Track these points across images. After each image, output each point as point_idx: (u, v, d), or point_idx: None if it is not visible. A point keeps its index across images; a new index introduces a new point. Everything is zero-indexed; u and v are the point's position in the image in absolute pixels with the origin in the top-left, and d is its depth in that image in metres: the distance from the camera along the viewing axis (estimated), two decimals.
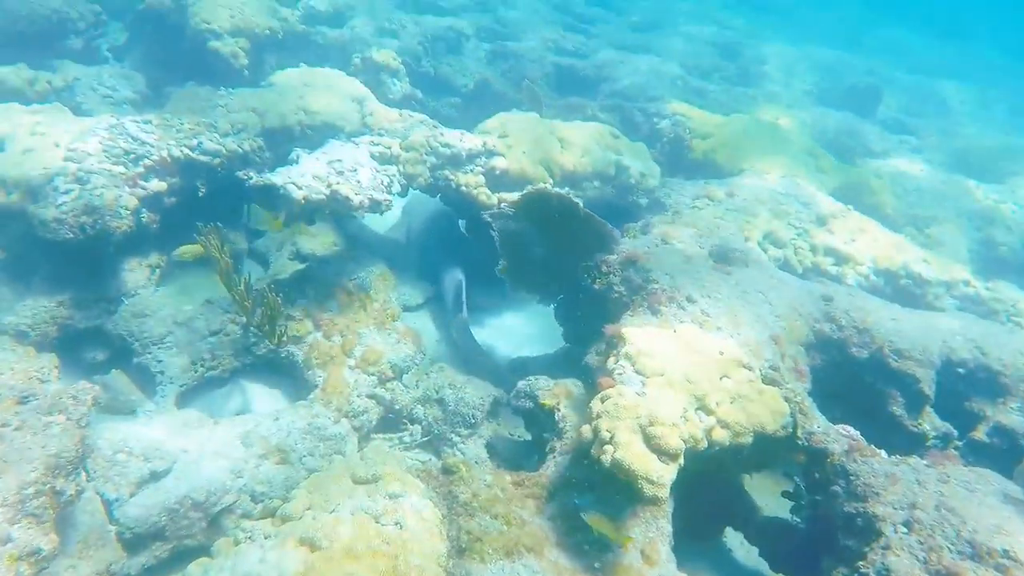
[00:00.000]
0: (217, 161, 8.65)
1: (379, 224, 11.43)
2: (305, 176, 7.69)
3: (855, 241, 9.91)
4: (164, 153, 8.30)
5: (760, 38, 19.35)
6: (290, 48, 12.94)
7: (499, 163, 9.44)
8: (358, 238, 9.88)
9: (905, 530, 5.79)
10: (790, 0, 29.13)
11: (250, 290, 7.49)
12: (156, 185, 8.21)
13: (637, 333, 6.83)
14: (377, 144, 8.71)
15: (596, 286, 8.14)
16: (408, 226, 11.01)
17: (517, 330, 10.06)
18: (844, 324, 8.02)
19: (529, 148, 9.70)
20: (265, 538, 5.31)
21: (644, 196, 10.31)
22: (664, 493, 5.45)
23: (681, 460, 5.75)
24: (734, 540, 7.82)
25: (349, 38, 13.58)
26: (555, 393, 7.31)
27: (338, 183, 7.66)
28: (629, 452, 5.57)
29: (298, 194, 7.51)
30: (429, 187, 9.29)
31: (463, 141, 9.31)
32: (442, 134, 9.26)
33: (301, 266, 8.48)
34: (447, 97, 13.40)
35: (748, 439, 6.40)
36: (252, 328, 7.65)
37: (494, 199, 9.40)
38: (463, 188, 9.28)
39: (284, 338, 7.50)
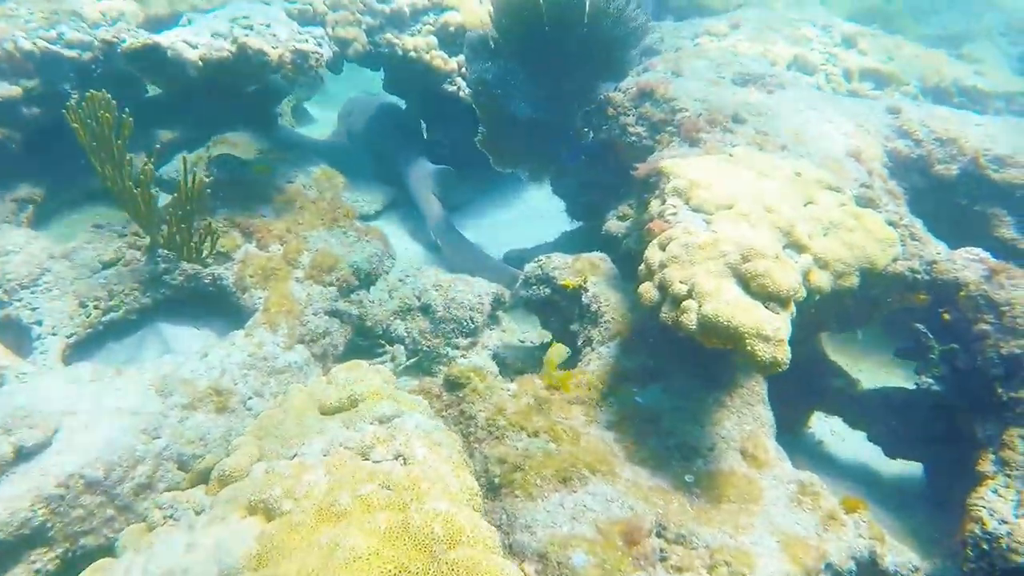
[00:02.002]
0: (88, 56, 6.52)
1: (314, 133, 9.41)
2: (201, 34, 5.65)
3: (893, 60, 8.13)
4: (9, 46, 6.17)
5: None
6: None
7: (453, 18, 7.47)
8: (288, 143, 7.87)
9: None
10: None
11: (155, 203, 5.48)
12: (4, 89, 6.11)
13: (681, 163, 4.98)
14: (294, 2, 6.64)
15: (603, 135, 6.26)
16: (349, 127, 8.99)
17: (506, 223, 8.17)
18: (922, 138, 6.26)
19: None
20: (196, 513, 3.41)
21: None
22: (785, 354, 3.65)
23: (794, 306, 3.96)
24: (823, 429, 6.11)
25: None
26: (577, 269, 5.47)
27: (247, 36, 5.62)
28: (723, 302, 3.75)
29: (192, 54, 5.47)
30: (368, 56, 7.26)
31: None
32: None
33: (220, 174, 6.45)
34: None
35: (854, 280, 4.67)
36: (161, 249, 5.65)
37: (452, 63, 7.43)
38: (412, 54, 7.30)
39: (207, 254, 5.52)
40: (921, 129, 6.25)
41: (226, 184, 6.22)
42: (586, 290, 5.33)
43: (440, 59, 7.32)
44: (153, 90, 7.65)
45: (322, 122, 10.19)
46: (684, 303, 3.91)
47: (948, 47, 9.44)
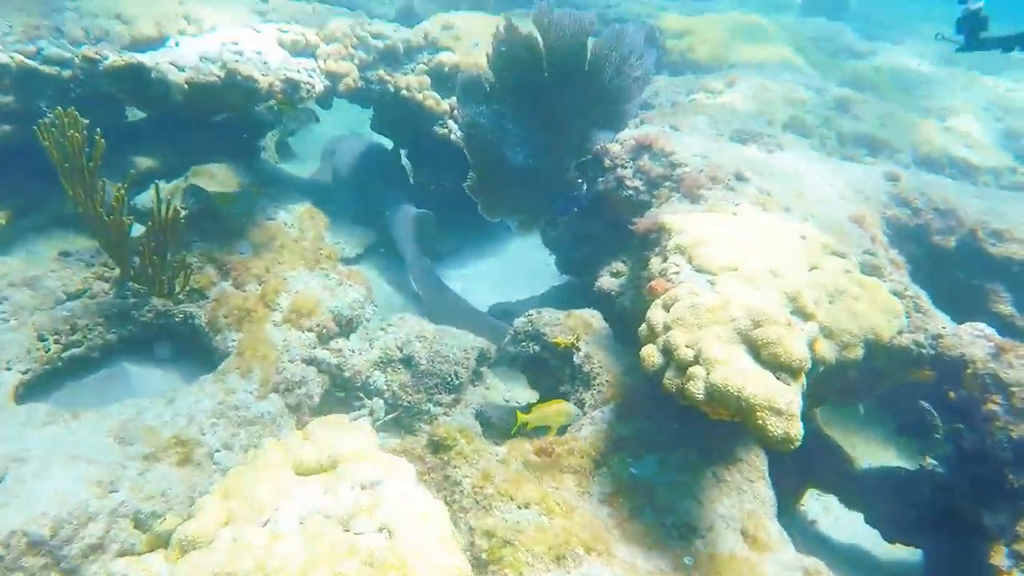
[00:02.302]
0: (68, 74, 6.24)
1: (297, 171, 9.15)
2: (189, 56, 5.40)
3: (886, 128, 8.10)
4: None
5: None
6: None
7: (447, 58, 7.31)
8: (271, 177, 7.61)
9: None
10: None
11: (127, 232, 5.17)
12: None
13: (685, 220, 4.80)
14: (286, 31, 6.43)
15: (599, 187, 6.08)
16: (333, 167, 8.74)
17: (492, 273, 7.92)
18: (921, 207, 6.17)
19: (482, 42, 7.57)
20: None
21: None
22: (799, 430, 3.43)
23: (805, 376, 3.75)
24: (816, 508, 5.88)
25: None
26: (569, 327, 5.24)
27: (236, 62, 5.39)
28: (733, 371, 3.53)
29: (179, 77, 5.22)
30: (359, 92, 7.06)
31: (398, 32, 7.13)
32: (370, 23, 7.06)
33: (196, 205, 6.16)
34: None
35: (859, 351, 4.50)
36: (131, 283, 5.33)
37: (444, 105, 7.25)
38: (404, 92, 7.11)
39: (180, 289, 5.22)
40: (920, 198, 6.16)
41: (203, 217, 5.93)
42: (578, 350, 5.09)
43: (433, 100, 7.14)
44: (133, 115, 7.38)
45: (304, 159, 9.95)
46: (690, 369, 3.68)
47: (935, 119, 9.48)
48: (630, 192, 5.82)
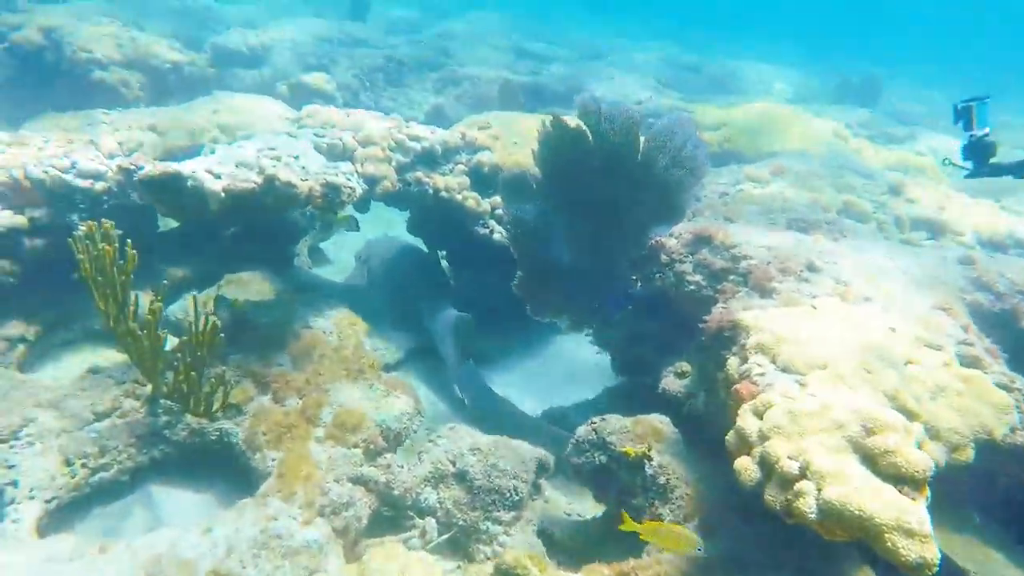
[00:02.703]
0: (101, 186, 6.11)
1: (331, 276, 8.92)
2: (226, 164, 5.22)
3: (944, 210, 7.77)
4: (18, 173, 5.77)
5: (713, 54, 17.85)
6: (200, 92, 10.61)
7: (486, 158, 7.15)
8: (306, 284, 7.36)
9: None
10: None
11: (160, 347, 4.88)
12: (7, 218, 5.66)
13: (762, 316, 4.42)
14: (322, 136, 6.28)
15: (656, 283, 5.74)
16: (368, 270, 8.50)
17: (538, 377, 7.51)
18: (1003, 291, 5.73)
19: (521, 140, 7.43)
20: None
21: None
22: (935, 553, 2.95)
23: (928, 488, 3.28)
24: None
25: (270, 76, 11.33)
26: (638, 435, 4.81)
27: (274, 168, 5.19)
28: (851, 487, 3.08)
29: (215, 185, 5.01)
30: (398, 194, 6.86)
31: (435, 133, 6.99)
32: (407, 125, 6.93)
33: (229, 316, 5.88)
34: None
35: (970, 452, 4.04)
36: (163, 400, 5.01)
37: (485, 205, 7.03)
38: (443, 194, 6.91)
39: (217, 406, 4.88)
40: (1000, 280, 5.75)
41: (238, 328, 5.64)
42: (651, 459, 4.64)
43: (473, 199, 6.93)
44: (164, 224, 7.24)
45: (339, 264, 9.74)
46: (797, 485, 3.24)
47: (991, 199, 9.15)
48: (691, 288, 5.47)
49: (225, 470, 5.07)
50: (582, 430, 4.99)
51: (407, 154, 6.82)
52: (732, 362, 4.34)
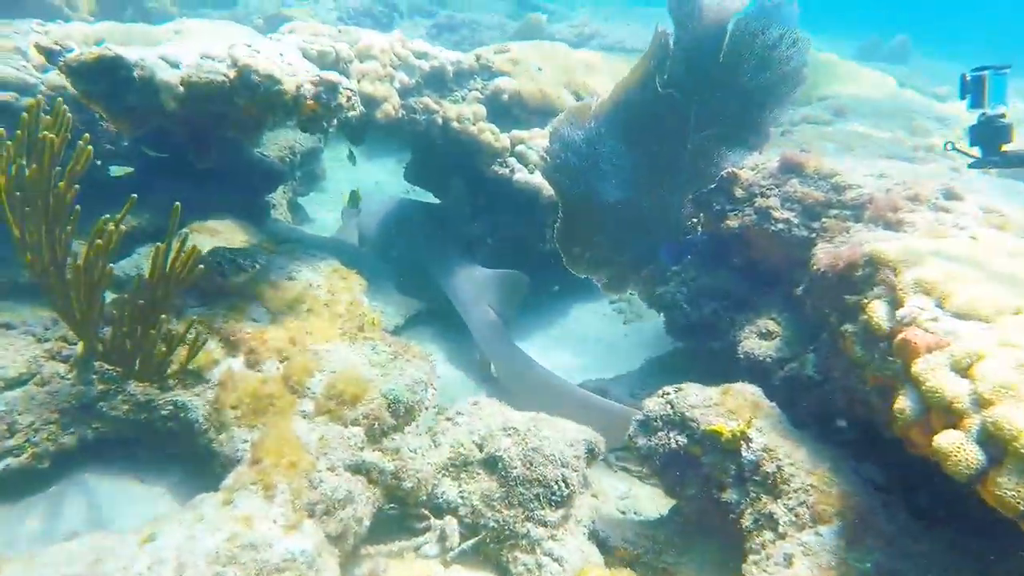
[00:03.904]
0: (29, 103, 4.81)
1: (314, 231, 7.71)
2: (188, 54, 3.98)
3: None
4: None
5: None
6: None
7: (506, 84, 5.95)
8: (285, 237, 6.17)
9: None
10: None
11: (102, 288, 3.62)
12: None
13: (913, 247, 3.28)
14: (311, 41, 5.03)
15: (731, 224, 4.60)
16: (360, 227, 7.28)
17: (566, 345, 6.35)
18: None
19: (547, 66, 6.24)
20: None
21: None
22: None
23: None
24: None
25: (243, 16, 10.04)
26: (730, 409, 3.66)
27: (251, 58, 3.95)
28: None
29: (172, 76, 3.78)
30: (400, 123, 5.64)
31: (445, 52, 5.79)
32: (412, 41, 5.71)
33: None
34: None
35: None
36: (98, 362, 3.77)
37: (504, 140, 5.84)
38: (454, 124, 5.70)
39: (173, 370, 3.66)
40: None
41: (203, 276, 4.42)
42: (750, 440, 3.49)
43: (491, 133, 5.73)
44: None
45: (320, 224, 8.51)
46: None
47: None
48: (779, 227, 4.33)
49: (181, 456, 3.85)
50: (653, 403, 3.84)
51: (412, 73, 5.60)
52: (875, 308, 3.20)
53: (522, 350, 5.59)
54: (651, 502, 4.46)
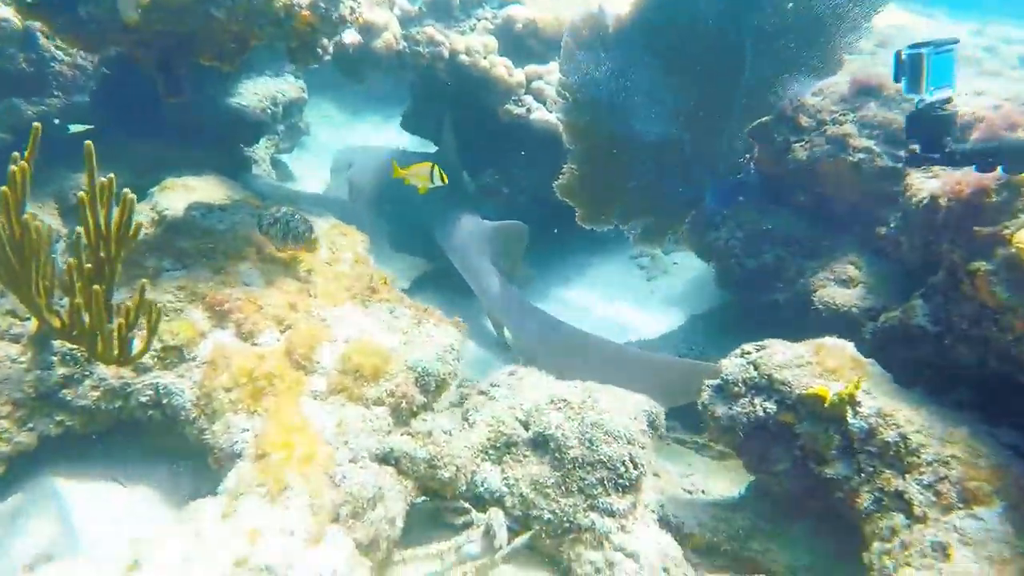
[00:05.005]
0: None
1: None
2: None
3: None
4: None
5: None
6: None
7: (518, 12, 5.26)
8: (270, 194, 5.49)
9: None
10: None
11: (47, 257, 2.91)
12: None
13: None
14: None
15: (798, 156, 3.98)
16: (350, 182, 6.59)
17: (588, 305, 5.74)
18: None
19: None
20: None
21: None
22: None
23: None
24: None
25: None
26: (828, 368, 3.07)
27: None
28: None
29: None
30: (400, 56, 4.92)
31: None
32: None
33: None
34: None
35: None
36: (60, 343, 3.09)
37: (519, 76, 5.15)
38: (462, 57, 5.00)
39: (140, 349, 2.97)
40: None
41: (177, 231, 3.74)
42: (858, 404, 2.89)
43: (503, 66, 5.03)
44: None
45: (305, 180, 7.78)
46: None
47: None
48: (861, 155, 3.70)
49: (167, 451, 3.20)
50: (731, 364, 3.23)
51: (414, 0, 4.87)
52: (1022, 238, 2.60)
53: (543, 310, 4.97)
54: (715, 479, 3.89)
